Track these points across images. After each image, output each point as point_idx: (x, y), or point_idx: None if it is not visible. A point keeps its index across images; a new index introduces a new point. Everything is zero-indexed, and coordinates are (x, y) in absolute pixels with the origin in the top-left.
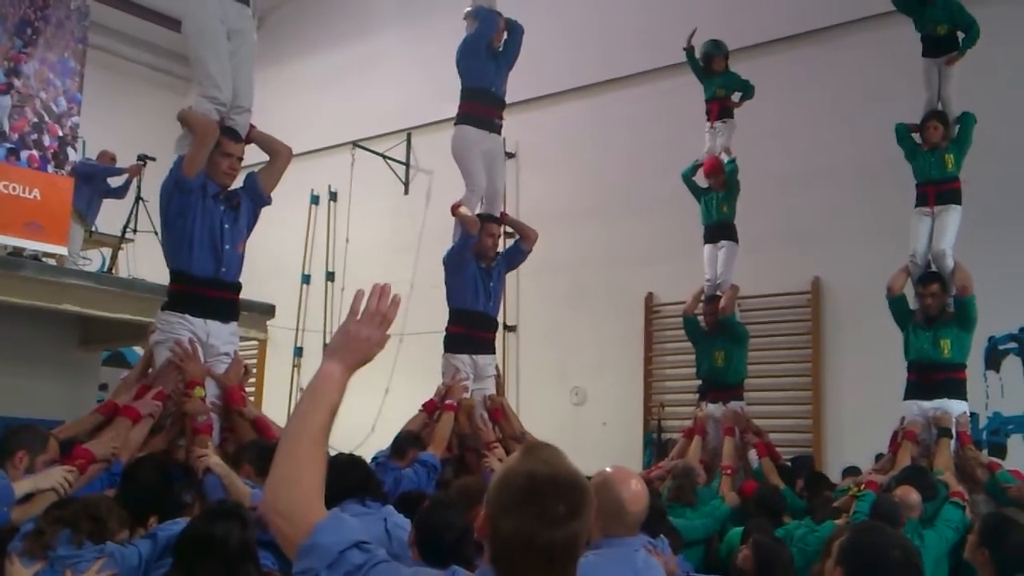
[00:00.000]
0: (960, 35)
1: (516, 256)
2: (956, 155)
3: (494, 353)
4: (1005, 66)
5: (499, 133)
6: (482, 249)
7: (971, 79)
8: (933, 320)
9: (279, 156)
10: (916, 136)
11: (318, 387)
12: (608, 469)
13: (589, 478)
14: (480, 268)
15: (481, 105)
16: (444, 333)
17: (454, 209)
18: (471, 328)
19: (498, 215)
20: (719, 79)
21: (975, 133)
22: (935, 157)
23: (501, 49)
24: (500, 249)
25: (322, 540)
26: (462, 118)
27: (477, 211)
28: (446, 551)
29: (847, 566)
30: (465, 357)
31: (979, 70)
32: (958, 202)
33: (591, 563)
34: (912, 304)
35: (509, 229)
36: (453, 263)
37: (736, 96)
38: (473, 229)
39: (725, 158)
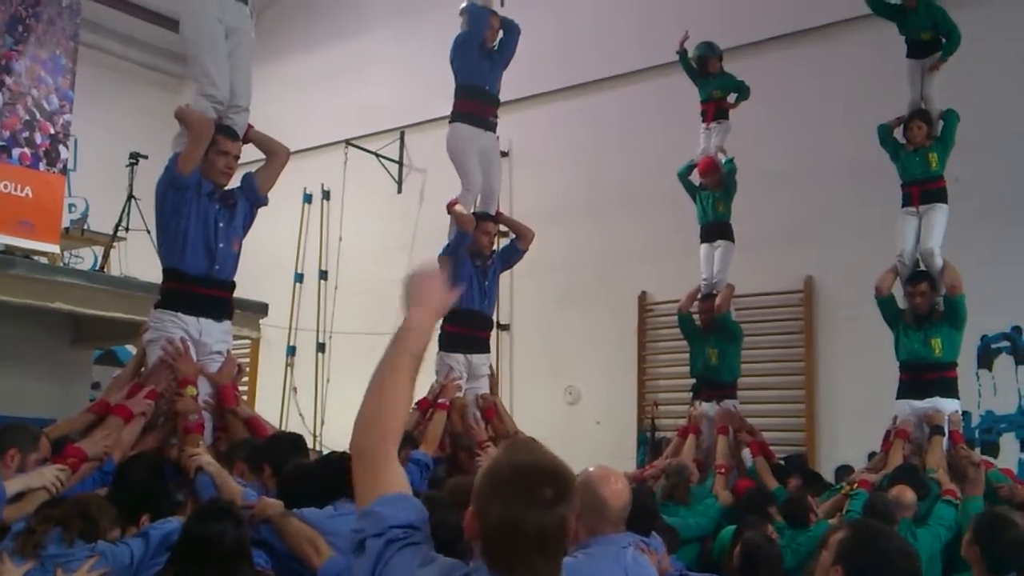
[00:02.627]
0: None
1: (512, 255)
2: (940, 154)
3: (489, 352)
4: (994, 63)
5: (494, 131)
6: (477, 248)
7: (961, 76)
8: (923, 319)
9: (276, 156)
10: (897, 134)
11: (400, 335)
12: (590, 468)
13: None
14: (475, 267)
15: (475, 103)
16: (439, 332)
17: (450, 207)
18: (466, 327)
19: (494, 214)
20: (714, 80)
21: (966, 131)
22: (919, 156)
23: (496, 48)
24: (495, 248)
25: (380, 509)
26: (456, 116)
27: (473, 209)
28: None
29: (847, 566)
30: (460, 356)
31: (969, 67)
32: (944, 200)
33: (580, 562)
34: (901, 304)
35: (504, 228)
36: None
37: (732, 97)
38: (468, 227)
39: (722, 158)
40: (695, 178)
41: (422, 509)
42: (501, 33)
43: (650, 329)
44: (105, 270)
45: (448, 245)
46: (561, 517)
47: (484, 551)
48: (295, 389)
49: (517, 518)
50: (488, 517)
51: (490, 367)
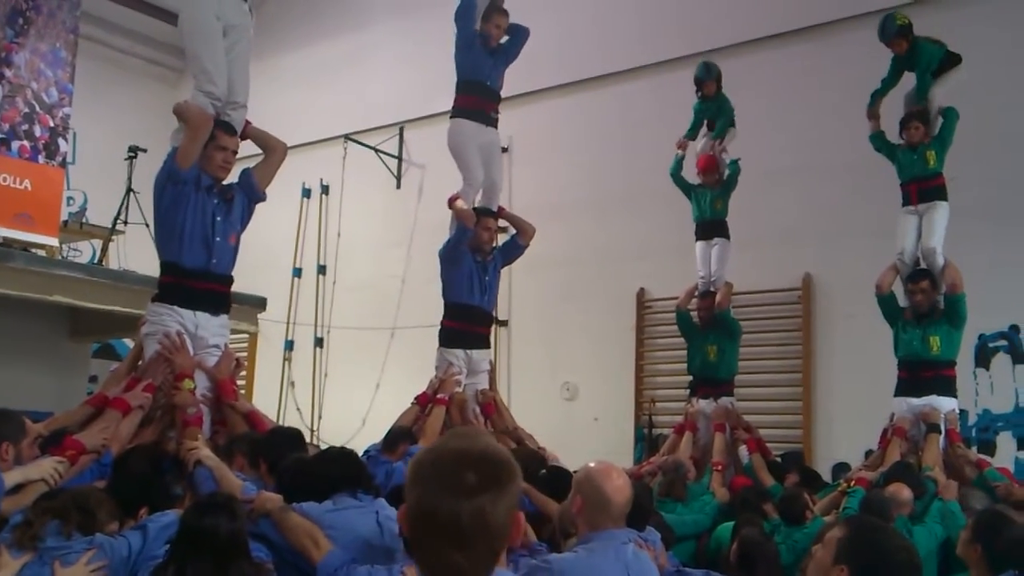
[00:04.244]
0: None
1: (512, 251)
2: (938, 151)
3: (489, 348)
4: (995, 61)
5: (495, 127)
6: (478, 243)
7: (960, 74)
8: (923, 317)
9: (274, 152)
10: (892, 136)
11: None
12: (590, 464)
13: (575, 472)
14: (476, 262)
15: (476, 98)
16: (439, 327)
17: (451, 202)
18: (466, 323)
19: (495, 209)
20: (712, 106)
21: (964, 130)
22: (917, 155)
23: (501, 45)
24: (496, 243)
25: None
26: (457, 112)
27: (474, 205)
28: None
29: (852, 564)
30: (459, 351)
31: (969, 65)
32: (943, 198)
33: (581, 557)
34: (902, 302)
35: (504, 224)
36: (449, 257)
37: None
38: (469, 223)
39: (726, 158)
40: (690, 175)
41: None
42: (505, 37)
43: (648, 326)
44: (103, 263)
45: (449, 241)
46: (480, 507)
47: (409, 541)
48: (293, 384)
49: (430, 504)
50: (407, 504)
51: (489, 362)
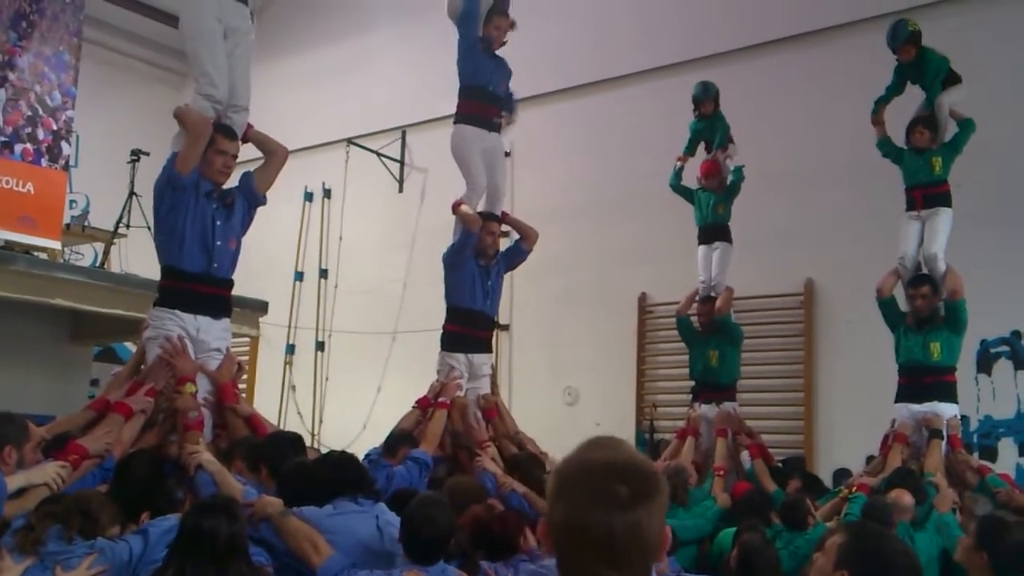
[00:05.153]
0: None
1: (516, 256)
2: (945, 158)
3: (490, 352)
4: (1000, 67)
5: (498, 132)
6: (482, 248)
7: (965, 81)
8: (924, 323)
9: (275, 156)
10: (898, 139)
11: None
12: None
13: None
14: (479, 267)
15: (479, 104)
16: (441, 331)
17: (455, 207)
18: (468, 327)
19: (499, 214)
20: (706, 126)
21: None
22: (923, 160)
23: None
24: (500, 248)
25: None
26: (460, 117)
27: (478, 209)
28: (430, 548)
29: (853, 571)
30: (461, 356)
31: (973, 71)
32: (948, 205)
33: None
34: (903, 307)
35: (507, 228)
36: (452, 261)
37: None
38: (474, 227)
39: (730, 165)
40: (690, 181)
41: None
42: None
43: (649, 331)
44: (105, 267)
45: (453, 245)
46: (636, 521)
47: (556, 555)
48: (294, 387)
49: (581, 521)
50: (553, 518)
51: (491, 367)
